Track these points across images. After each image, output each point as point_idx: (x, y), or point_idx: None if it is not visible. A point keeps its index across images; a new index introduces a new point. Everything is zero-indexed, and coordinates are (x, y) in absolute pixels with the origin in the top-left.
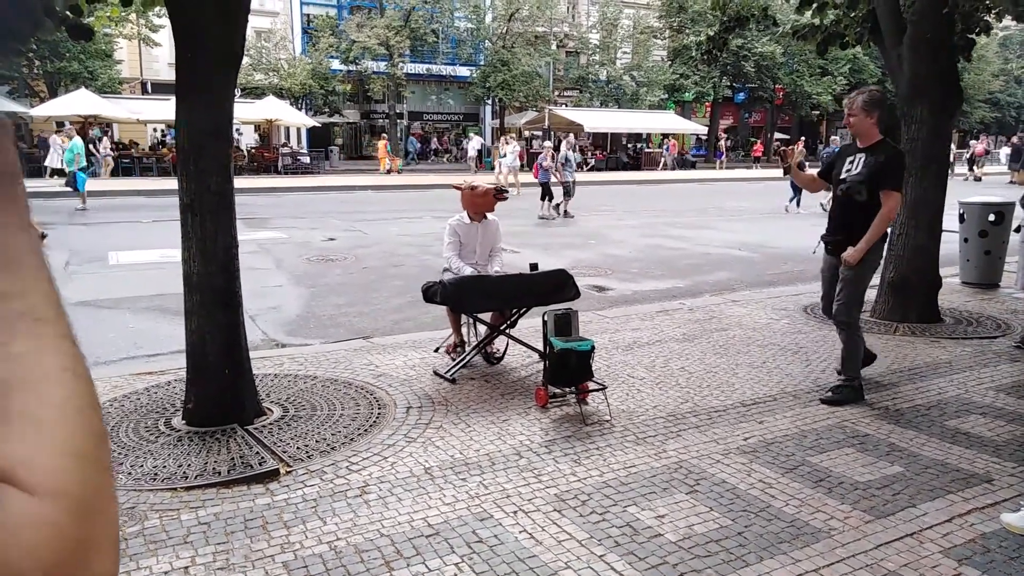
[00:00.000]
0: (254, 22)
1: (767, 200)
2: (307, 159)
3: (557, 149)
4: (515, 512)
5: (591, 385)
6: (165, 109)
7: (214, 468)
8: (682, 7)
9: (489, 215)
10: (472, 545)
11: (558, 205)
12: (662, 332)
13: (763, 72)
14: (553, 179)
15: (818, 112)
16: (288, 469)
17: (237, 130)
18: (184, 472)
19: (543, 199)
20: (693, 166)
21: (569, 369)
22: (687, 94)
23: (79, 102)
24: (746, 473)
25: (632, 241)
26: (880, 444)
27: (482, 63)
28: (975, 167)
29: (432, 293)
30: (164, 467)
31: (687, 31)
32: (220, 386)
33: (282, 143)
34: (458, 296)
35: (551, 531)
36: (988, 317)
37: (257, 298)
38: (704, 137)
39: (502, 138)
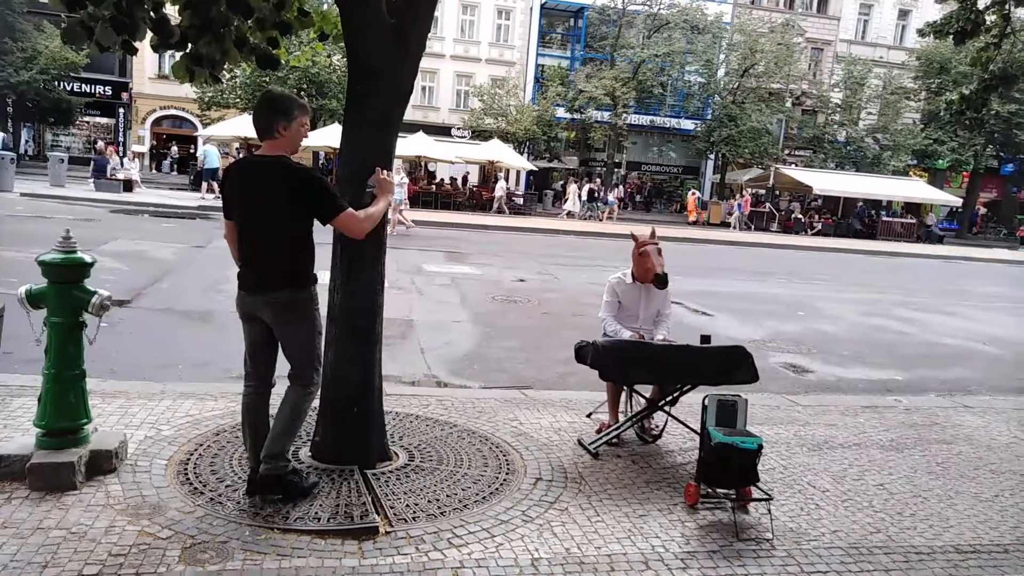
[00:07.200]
0: (491, 71)
1: None
2: (521, 200)
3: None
4: None
5: (754, 492)
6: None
7: (316, 513)
8: (943, 67)
9: None
10: None
11: None
12: (864, 434)
13: None
14: None
15: None
16: (388, 529)
17: (464, 174)
18: (287, 511)
19: None
20: (940, 240)
21: (727, 469)
22: (940, 161)
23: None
24: None
25: (848, 317)
26: None
27: (708, 118)
28: None
29: (584, 354)
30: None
31: (947, 92)
32: (347, 424)
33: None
34: (610, 362)
35: None
36: None
37: (433, 332)
38: (959, 209)
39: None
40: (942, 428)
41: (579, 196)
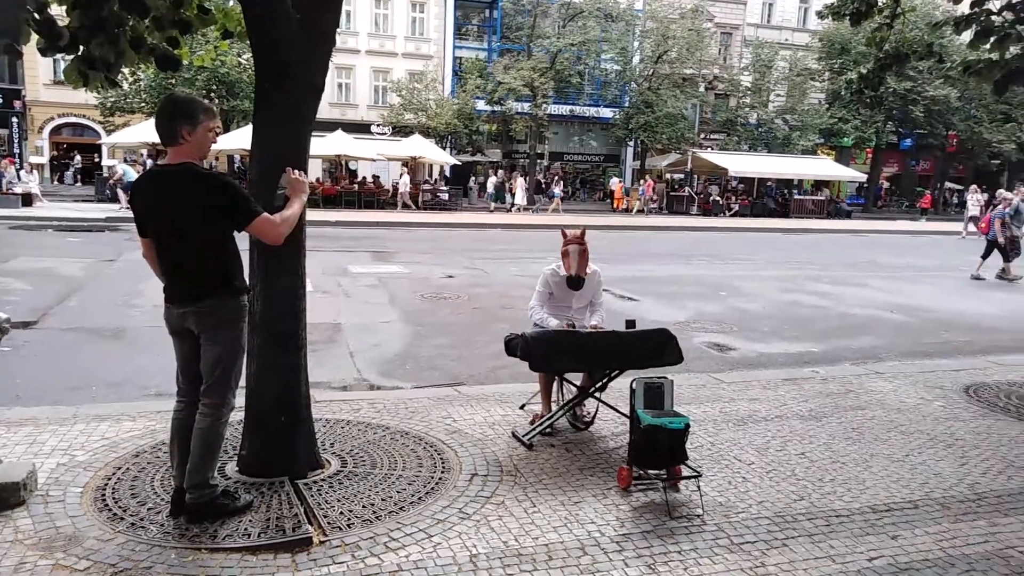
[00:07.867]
0: (409, 65)
1: (932, 256)
2: (446, 195)
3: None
4: None
5: (684, 470)
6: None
7: (246, 529)
8: (844, 48)
9: (589, 267)
10: None
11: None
12: (785, 406)
13: (934, 117)
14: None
15: (999, 162)
16: (323, 539)
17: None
18: (215, 530)
19: (987, 257)
20: (849, 216)
21: (657, 450)
22: (846, 139)
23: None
24: None
25: (767, 295)
26: None
27: (626, 105)
28: None
29: (514, 347)
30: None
31: (848, 72)
32: (274, 434)
33: (424, 180)
34: (539, 353)
35: None
36: None
37: (362, 334)
38: (865, 185)
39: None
40: (856, 395)
41: (525, 188)
